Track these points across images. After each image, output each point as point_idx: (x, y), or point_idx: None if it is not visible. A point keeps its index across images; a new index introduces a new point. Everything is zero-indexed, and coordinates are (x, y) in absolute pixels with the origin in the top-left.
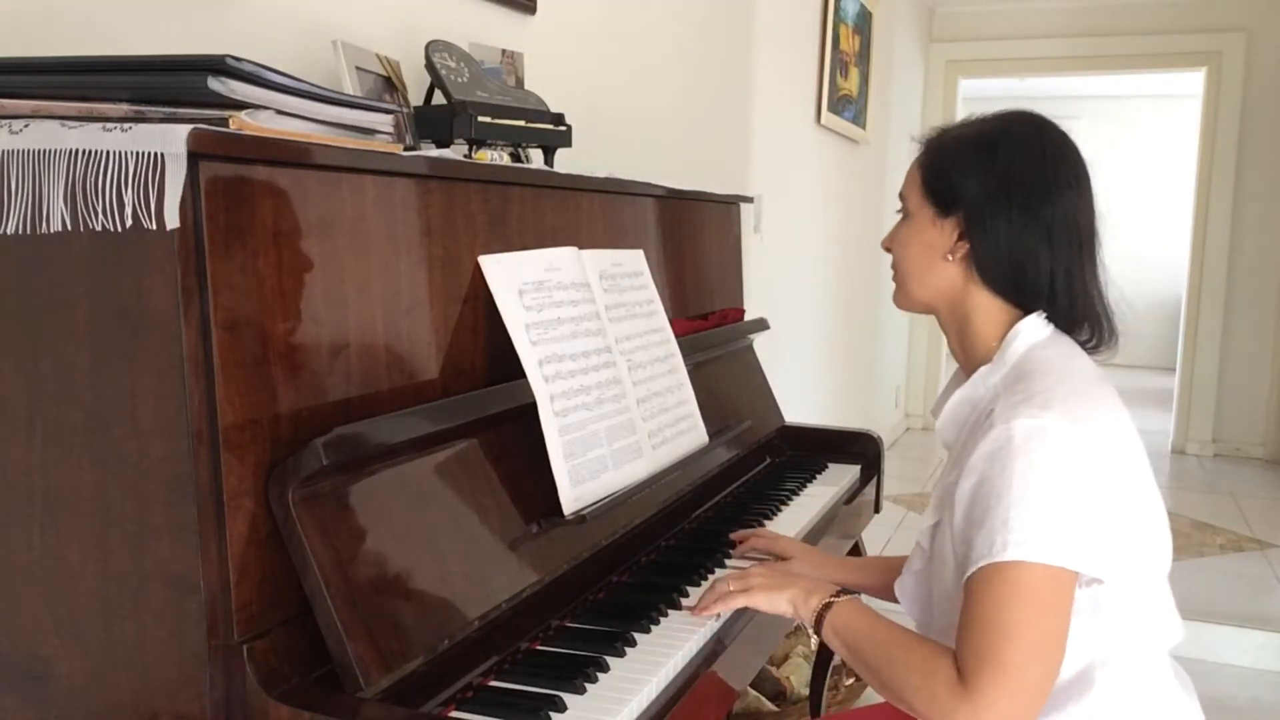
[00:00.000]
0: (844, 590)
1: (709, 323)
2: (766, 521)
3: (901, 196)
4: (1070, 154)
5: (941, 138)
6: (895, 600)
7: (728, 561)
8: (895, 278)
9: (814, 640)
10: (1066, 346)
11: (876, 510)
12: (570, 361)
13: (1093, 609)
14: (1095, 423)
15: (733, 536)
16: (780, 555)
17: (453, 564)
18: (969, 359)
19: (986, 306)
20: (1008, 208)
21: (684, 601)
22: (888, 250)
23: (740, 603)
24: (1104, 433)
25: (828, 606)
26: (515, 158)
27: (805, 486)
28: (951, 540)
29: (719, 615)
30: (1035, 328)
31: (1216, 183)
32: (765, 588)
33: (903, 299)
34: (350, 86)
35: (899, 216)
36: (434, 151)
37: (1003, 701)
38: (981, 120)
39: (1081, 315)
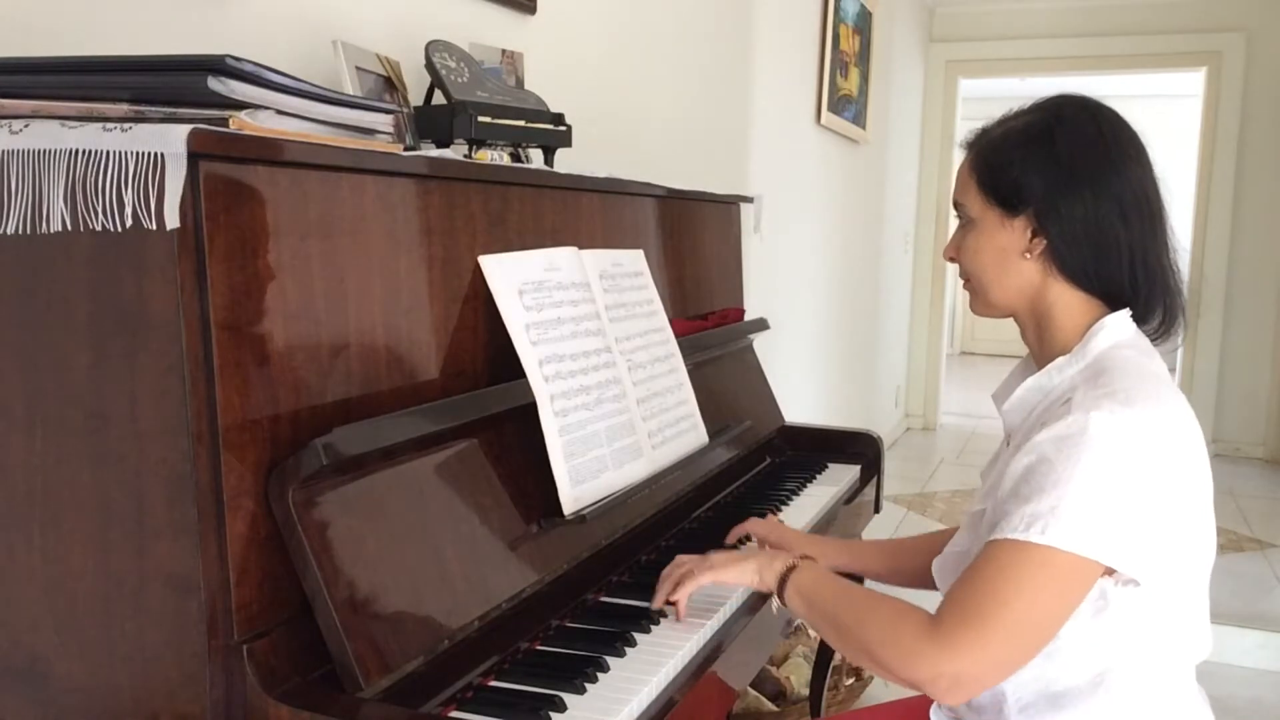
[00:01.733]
0: (807, 556)
1: (709, 323)
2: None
3: (957, 204)
4: (1125, 128)
5: (987, 137)
6: (898, 584)
7: None
8: (970, 286)
9: (815, 639)
10: (1146, 349)
11: (876, 510)
12: (570, 361)
13: (1126, 610)
14: (1170, 428)
15: (729, 539)
16: (780, 546)
17: (453, 564)
18: (1046, 352)
19: (1067, 300)
20: (1079, 193)
21: (670, 598)
22: (952, 260)
23: (707, 580)
24: (1176, 440)
25: (791, 569)
26: (515, 158)
27: (805, 486)
28: (991, 512)
29: (717, 613)
30: (1120, 325)
31: (1216, 183)
32: (727, 562)
33: (983, 307)
34: (350, 86)
35: (957, 224)
36: (434, 151)
37: (969, 661)
38: (1025, 112)
39: (1159, 293)
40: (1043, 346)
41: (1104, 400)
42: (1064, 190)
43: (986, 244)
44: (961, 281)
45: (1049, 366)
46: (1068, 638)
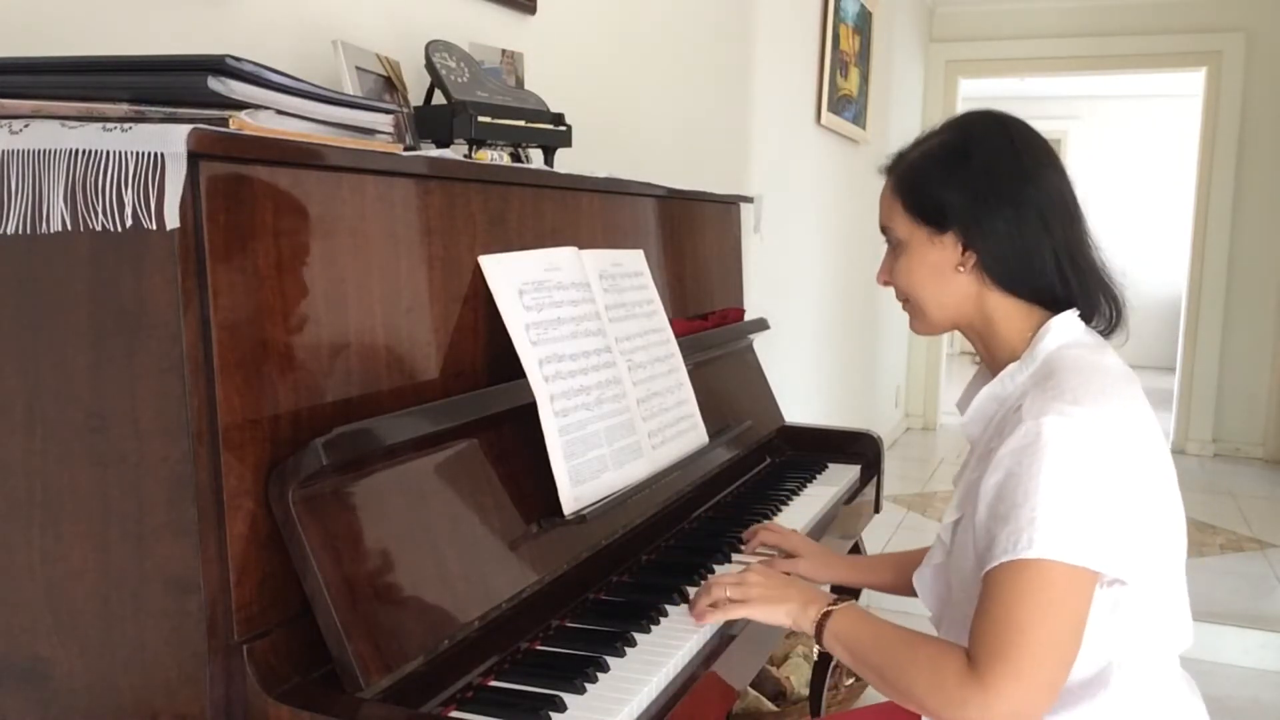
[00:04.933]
0: (840, 597)
1: (709, 323)
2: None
3: (884, 228)
4: (1035, 136)
5: (905, 160)
6: (908, 594)
7: (735, 555)
8: (908, 308)
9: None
10: (1095, 344)
11: (876, 510)
12: (570, 361)
13: (1112, 609)
14: (1123, 421)
15: (745, 535)
16: (788, 553)
17: (453, 564)
18: (996, 361)
19: (1005, 308)
20: (999, 205)
21: (685, 605)
22: (886, 285)
23: (740, 614)
24: (1131, 432)
25: (827, 615)
26: (515, 158)
27: (805, 486)
28: (973, 534)
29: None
30: (1066, 326)
31: (1216, 183)
32: (763, 599)
33: (924, 326)
34: (350, 86)
35: (886, 249)
36: (434, 151)
37: (1015, 695)
38: (938, 132)
39: (1094, 289)
40: (992, 356)
41: (1052, 402)
42: (985, 204)
43: (918, 264)
44: (901, 303)
45: (1001, 374)
46: None
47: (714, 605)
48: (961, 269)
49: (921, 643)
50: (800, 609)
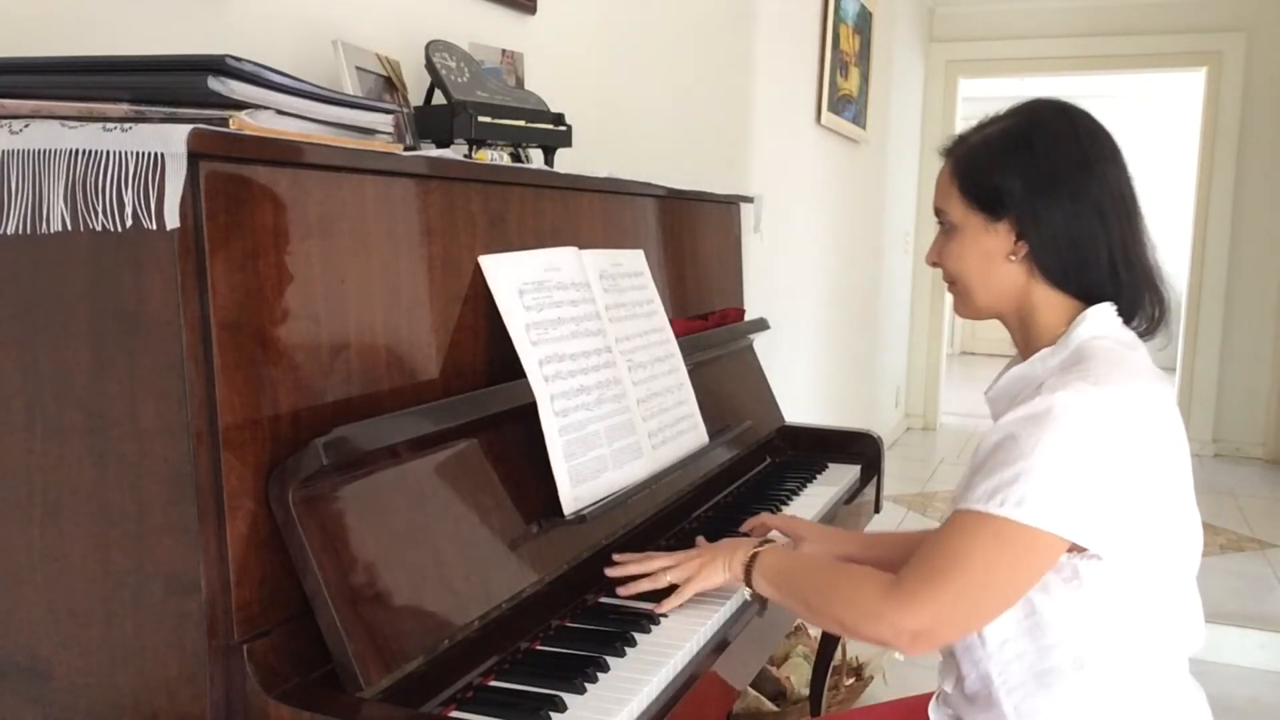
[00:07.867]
0: (768, 540)
1: (709, 323)
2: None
3: (939, 210)
4: (1100, 129)
5: (966, 144)
6: None
7: None
8: (954, 290)
9: (815, 639)
10: (1129, 341)
11: (876, 510)
12: (570, 361)
13: (1101, 588)
14: (1141, 409)
15: (743, 528)
16: (792, 537)
17: (453, 564)
18: (1031, 351)
19: (1050, 301)
20: (1058, 197)
21: (657, 609)
22: (934, 265)
23: (693, 590)
24: (1148, 421)
25: (754, 557)
26: (515, 158)
27: (805, 486)
28: (958, 486)
29: (718, 612)
30: (1102, 317)
31: (1216, 183)
32: (702, 566)
33: (968, 310)
34: (350, 86)
35: (938, 230)
36: (434, 151)
37: (926, 615)
38: (1001, 118)
39: (1142, 286)
40: (1028, 345)
41: (1074, 382)
42: (1044, 195)
43: (970, 249)
44: (947, 285)
45: (1034, 357)
46: (1047, 615)
47: (675, 595)
48: (1012, 258)
49: (850, 567)
50: (728, 557)
